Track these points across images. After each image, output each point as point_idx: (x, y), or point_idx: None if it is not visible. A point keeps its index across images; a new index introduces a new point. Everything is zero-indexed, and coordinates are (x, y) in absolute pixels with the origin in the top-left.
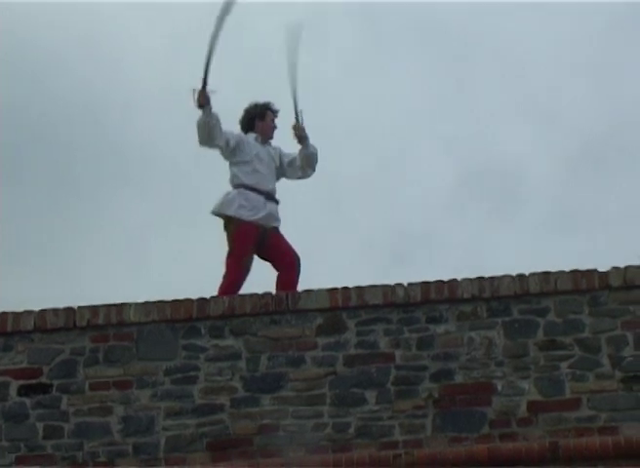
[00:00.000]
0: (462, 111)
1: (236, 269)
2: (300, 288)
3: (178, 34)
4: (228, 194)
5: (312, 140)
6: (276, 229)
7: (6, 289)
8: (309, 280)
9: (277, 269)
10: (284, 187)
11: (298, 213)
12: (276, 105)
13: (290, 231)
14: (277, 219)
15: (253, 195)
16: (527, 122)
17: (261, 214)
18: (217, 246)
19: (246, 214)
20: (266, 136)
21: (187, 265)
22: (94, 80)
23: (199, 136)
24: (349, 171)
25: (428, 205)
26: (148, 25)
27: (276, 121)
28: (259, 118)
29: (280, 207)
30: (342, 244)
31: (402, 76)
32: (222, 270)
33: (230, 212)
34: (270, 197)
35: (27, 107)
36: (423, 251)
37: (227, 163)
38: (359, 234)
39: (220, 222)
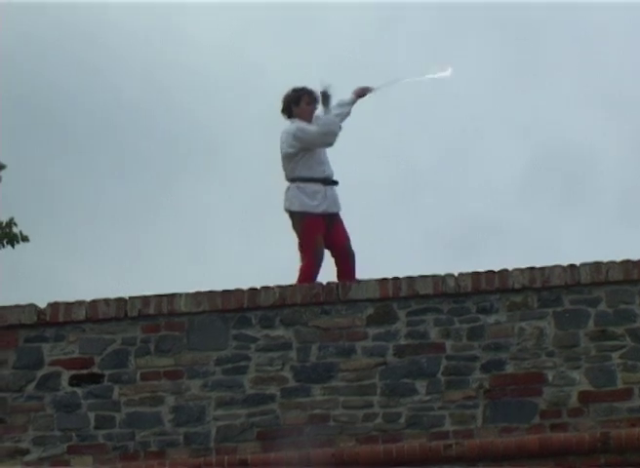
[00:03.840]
0: (534, 98)
1: (309, 261)
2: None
3: (245, 29)
4: (288, 189)
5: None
6: (338, 216)
7: (58, 279)
8: (375, 267)
9: (334, 257)
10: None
11: (367, 200)
12: (312, 88)
13: (356, 220)
14: (338, 204)
15: (310, 185)
16: (601, 109)
17: (324, 205)
18: (274, 237)
19: (309, 207)
20: (304, 120)
21: (247, 257)
22: (164, 69)
23: (334, 136)
24: (421, 159)
25: (498, 193)
26: (217, 17)
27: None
28: (294, 104)
29: (350, 194)
30: (411, 232)
31: (475, 62)
32: (285, 261)
33: (294, 207)
34: (328, 182)
35: (89, 94)
36: (493, 240)
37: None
38: (429, 222)
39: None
